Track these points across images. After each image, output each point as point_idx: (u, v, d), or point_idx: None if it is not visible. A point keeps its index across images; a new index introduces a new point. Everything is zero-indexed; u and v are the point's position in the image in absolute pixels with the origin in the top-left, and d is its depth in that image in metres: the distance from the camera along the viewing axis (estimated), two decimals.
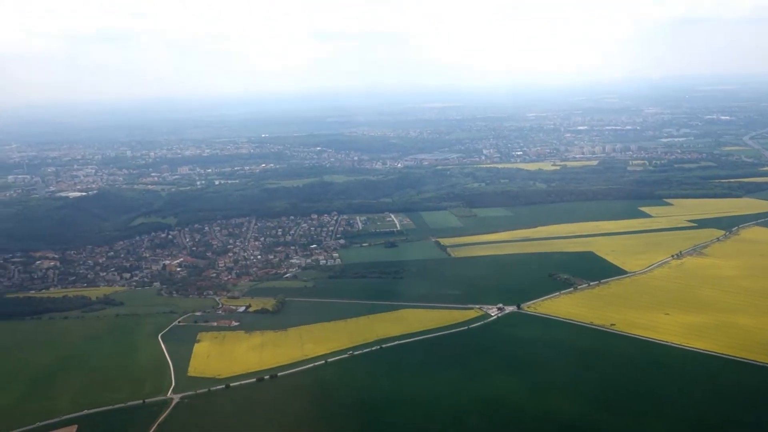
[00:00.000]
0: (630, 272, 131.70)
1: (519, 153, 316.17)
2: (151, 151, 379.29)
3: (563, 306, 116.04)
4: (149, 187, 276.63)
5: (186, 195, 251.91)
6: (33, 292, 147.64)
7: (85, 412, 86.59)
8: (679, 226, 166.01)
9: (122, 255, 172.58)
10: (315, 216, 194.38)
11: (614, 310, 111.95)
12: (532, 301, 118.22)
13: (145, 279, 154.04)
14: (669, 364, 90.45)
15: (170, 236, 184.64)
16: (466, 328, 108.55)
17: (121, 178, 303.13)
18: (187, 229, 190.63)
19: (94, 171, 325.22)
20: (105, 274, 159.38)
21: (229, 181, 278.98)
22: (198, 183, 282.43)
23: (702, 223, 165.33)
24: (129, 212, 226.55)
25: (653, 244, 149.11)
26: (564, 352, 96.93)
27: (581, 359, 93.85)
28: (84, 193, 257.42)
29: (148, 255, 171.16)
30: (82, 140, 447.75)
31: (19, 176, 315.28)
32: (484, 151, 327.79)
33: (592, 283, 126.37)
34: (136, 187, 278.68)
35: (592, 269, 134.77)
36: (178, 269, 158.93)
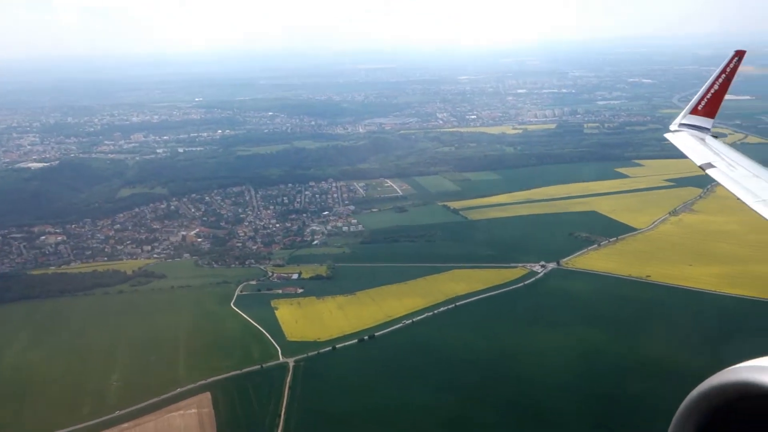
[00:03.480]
0: (639, 229, 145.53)
1: (473, 117, 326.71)
2: (94, 117, 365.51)
3: (597, 261, 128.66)
4: (110, 156, 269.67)
5: (157, 164, 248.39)
6: (53, 268, 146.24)
7: (209, 380, 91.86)
8: (660, 185, 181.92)
9: (129, 227, 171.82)
10: (313, 183, 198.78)
11: (643, 263, 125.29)
12: (567, 258, 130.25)
13: (169, 251, 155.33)
14: (720, 308, 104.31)
15: (172, 207, 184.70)
16: (522, 284, 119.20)
17: (74, 147, 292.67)
18: (185, 199, 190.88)
19: (39, 140, 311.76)
20: (122, 247, 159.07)
21: (195, 149, 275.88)
22: (160, 151, 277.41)
23: (679, 182, 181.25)
24: (102, 182, 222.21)
25: (647, 203, 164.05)
26: (621, 302, 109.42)
27: (641, 308, 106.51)
28: (46, 164, 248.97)
29: (158, 226, 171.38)
30: (7, 104, 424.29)
31: None
32: (438, 115, 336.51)
33: (611, 240, 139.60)
34: (95, 156, 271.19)
35: (604, 227, 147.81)
36: (199, 240, 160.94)
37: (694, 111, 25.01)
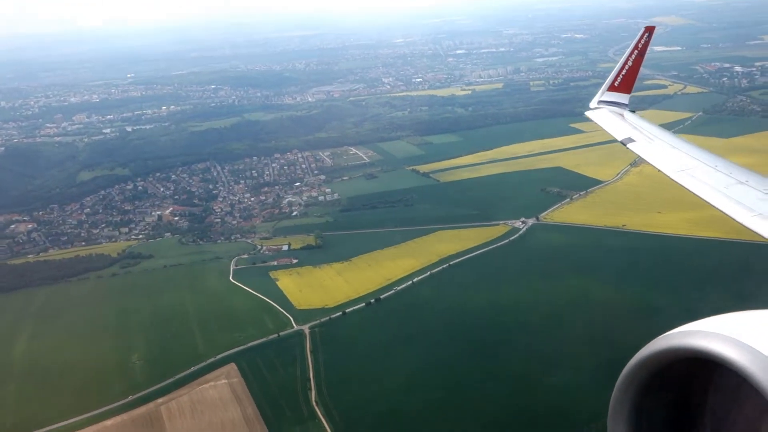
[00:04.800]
0: (605, 181, 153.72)
1: (419, 80, 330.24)
2: (28, 99, 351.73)
3: (572, 214, 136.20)
4: (56, 139, 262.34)
5: (109, 144, 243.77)
6: (32, 256, 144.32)
7: (230, 351, 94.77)
8: (614, 139, 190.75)
9: (100, 211, 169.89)
10: (279, 155, 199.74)
11: (615, 213, 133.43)
12: (544, 213, 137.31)
13: (148, 231, 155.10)
14: (695, 249, 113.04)
15: (140, 187, 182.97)
16: (508, 240, 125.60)
17: (14, 132, 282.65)
18: (151, 178, 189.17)
19: None
20: (97, 231, 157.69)
21: (144, 127, 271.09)
22: (107, 131, 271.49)
23: None
24: (55, 167, 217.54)
25: (607, 156, 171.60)
26: (605, 251, 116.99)
27: (623, 255, 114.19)
28: None
29: (129, 208, 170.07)
30: None
31: None
32: (384, 80, 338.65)
33: (581, 193, 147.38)
34: (40, 140, 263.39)
35: (572, 181, 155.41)
36: (175, 218, 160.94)
37: (611, 88, 25.41)
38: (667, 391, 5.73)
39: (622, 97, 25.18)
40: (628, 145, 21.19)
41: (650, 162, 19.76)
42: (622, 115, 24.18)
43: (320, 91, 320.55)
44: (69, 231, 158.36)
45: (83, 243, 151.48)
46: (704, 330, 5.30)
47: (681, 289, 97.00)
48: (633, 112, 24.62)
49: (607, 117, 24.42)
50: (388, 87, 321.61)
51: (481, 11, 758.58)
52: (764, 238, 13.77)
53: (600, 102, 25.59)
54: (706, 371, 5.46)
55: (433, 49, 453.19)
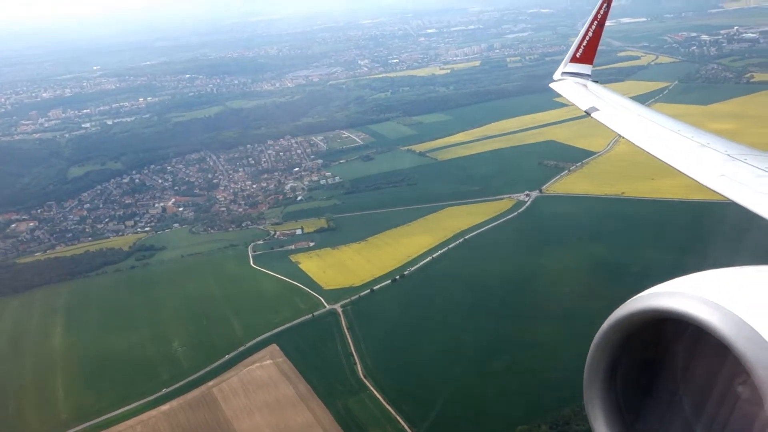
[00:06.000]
0: (598, 152, 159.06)
1: (395, 61, 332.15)
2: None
3: (573, 185, 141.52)
4: (35, 135, 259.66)
5: (92, 139, 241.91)
6: (39, 254, 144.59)
7: (268, 334, 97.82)
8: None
9: (101, 206, 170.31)
10: (272, 141, 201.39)
11: (613, 182, 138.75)
12: (545, 185, 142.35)
13: (154, 223, 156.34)
14: (696, 210, 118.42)
15: (137, 180, 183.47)
16: (516, 213, 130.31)
17: None
18: (146, 171, 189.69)
19: None
20: (102, 225, 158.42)
21: (125, 120, 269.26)
22: (87, 125, 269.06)
23: None
24: (41, 164, 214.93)
25: (595, 127, 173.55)
26: (610, 217, 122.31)
27: (629, 221, 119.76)
28: None
29: (130, 201, 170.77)
30: None
31: None
32: (360, 62, 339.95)
33: (577, 165, 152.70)
34: (18, 137, 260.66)
35: (567, 154, 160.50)
36: (180, 209, 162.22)
37: (573, 59, 25.49)
38: (641, 351, 5.79)
39: (585, 68, 25.27)
40: (593, 114, 20.97)
41: (614, 129, 19.68)
42: (585, 86, 24.12)
43: (298, 76, 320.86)
44: (73, 227, 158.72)
45: (90, 238, 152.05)
46: (673, 290, 5.41)
47: (687, 249, 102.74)
48: (596, 82, 24.64)
49: (571, 88, 24.35)
50: (366, 69, 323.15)
51: None
52: (726, 198, 13.66)
53: (563, 73, 25.65)
54: (679, 331, 5.50)
55: (403, 29, 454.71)
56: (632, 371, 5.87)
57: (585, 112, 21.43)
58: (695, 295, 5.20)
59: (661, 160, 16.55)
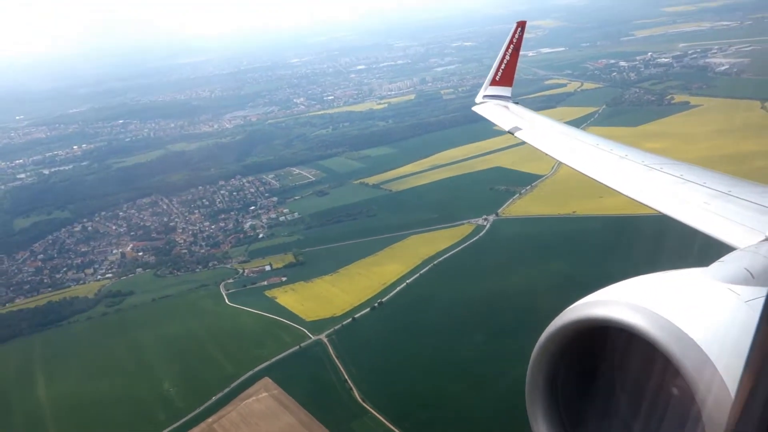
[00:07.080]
0: (544, 175, 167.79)
1: (330, 98, 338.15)
2: None
3: (526, 207, 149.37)
4: None
5: (32, 189, 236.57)
6: None
7: (258, 368, 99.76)
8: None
9: (55, 256, 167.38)
10: (223, 182, 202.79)
11: (563, 202, 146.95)
12: (501, 209, 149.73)
13: (115, 269, 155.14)
14: (642, 223, 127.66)
15: (89, 228, 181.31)
16: (478, 237, 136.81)
17: None
18: (97, 218, 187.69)
19: None
20: (60, 275, 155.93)
21: (62, 168, 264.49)
22: (22, 176, 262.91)
23: None
24: None
25: (537, 152, 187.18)
26: (566, 235, 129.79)
27: (585, 238, 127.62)
28: None
29: (86, 249, 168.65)
30: None
31: None
32: (296, 101, 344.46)
33: (527, 188, 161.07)
34: None
35: (515, 178, 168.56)
36: (140, 254, 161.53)
37: (493, 83, 26.21)
38: (579, 360, 5.88)
39: (505, 90, 26.07)
40: (516, 134, 21.41)
41: (537, 147, 20.17)
42: (506, 107, 24.76)
43: (235, 117, 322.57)
44: (29, 279, 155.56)
45: (50, 289, 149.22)
46: (602, 299, 5.62)
47: (638, 262, 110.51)
48: (517, 103, 25.28)
49: (493, 109, 25.03)
50: (303, 107, 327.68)
51: (364, 26, 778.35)
52: (651, 208, 13.88)
53: (485, 96, 26.37)
54: (612, 336, 5.59)
55: (333, 66, 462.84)
56: (571, 380, 6.03)
57: (508, 131, 21.91)
58: (623, 301, 5.50)
59: (584, 174, 16.84)
